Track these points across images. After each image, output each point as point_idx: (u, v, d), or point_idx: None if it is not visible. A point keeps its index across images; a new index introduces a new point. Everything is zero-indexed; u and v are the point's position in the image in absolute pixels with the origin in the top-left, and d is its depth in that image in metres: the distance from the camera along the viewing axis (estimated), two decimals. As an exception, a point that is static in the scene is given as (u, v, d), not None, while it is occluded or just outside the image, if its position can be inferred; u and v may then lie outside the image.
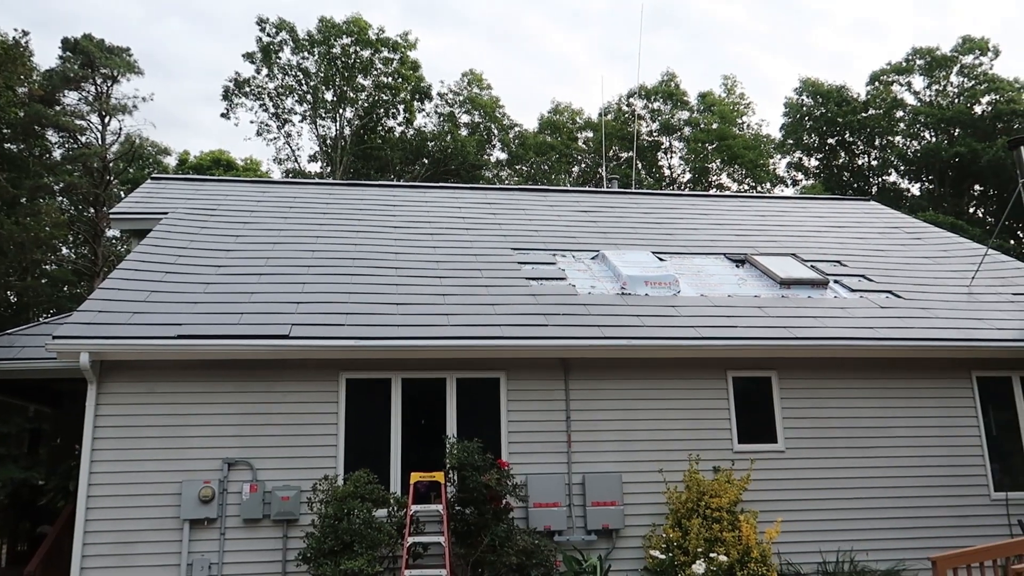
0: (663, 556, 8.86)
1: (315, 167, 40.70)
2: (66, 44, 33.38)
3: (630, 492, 9.63)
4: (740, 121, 43.67)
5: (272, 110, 39.56)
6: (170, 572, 8.61)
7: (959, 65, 38.94)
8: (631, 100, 42.79)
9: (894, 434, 10.43)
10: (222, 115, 39.44)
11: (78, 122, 33.13)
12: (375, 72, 39.62)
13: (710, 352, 9.99)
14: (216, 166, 39.10)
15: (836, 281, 12.41)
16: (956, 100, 38.60)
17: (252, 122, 49.64)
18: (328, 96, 39.34)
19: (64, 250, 34.66)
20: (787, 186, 43.08)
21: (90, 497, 8.65)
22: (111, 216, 14.20)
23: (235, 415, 9.17)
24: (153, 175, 19.04)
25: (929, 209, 34.65)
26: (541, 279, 11.55)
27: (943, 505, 10.26)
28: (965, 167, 36.92)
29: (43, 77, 31.94)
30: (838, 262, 13.40)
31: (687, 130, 42.74)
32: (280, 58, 38.76)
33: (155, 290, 10.07)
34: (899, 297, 11.92)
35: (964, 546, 9.09)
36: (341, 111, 39.65)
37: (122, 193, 33.63)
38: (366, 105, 39.75)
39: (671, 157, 43.76)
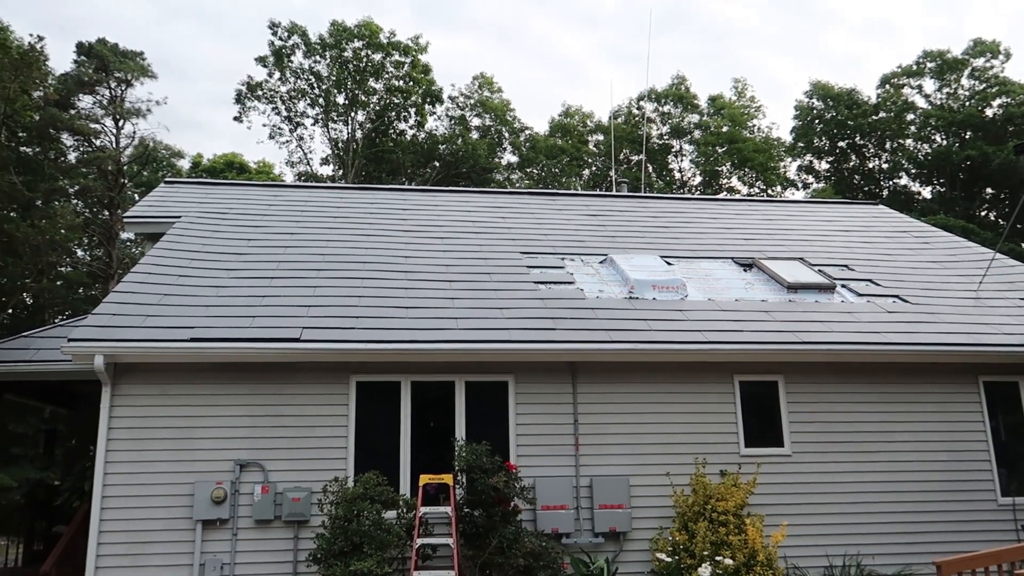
0: (670, 559, 8.92)
1: (327, 170, 40.97)
2: (80, 48, 33.75)
3: (637, 495, 9.70)
4: (750, 124, 43.61)
5: (284, 113, 39.86)
6: (183, 572, 8.74)
7: (970, 68, 38.77)
8: (641, 103, 42.82)
9: (901, 439, 10.45)
10: (235, 119, 39.82)
11: (93, 126, 33.46)
12: (386, 75, 39.83)
13: (717, 356, 10.06)
14: (229, 169, 39.40)
15: (843, 285, 12.45)
16: (967, 103, 38.43)
17: (265, 125, 49.91)
18: (340, 99, 39.58)
19: (79, 252, 34.97)
20: (798, 189, 43.00)
21: (104, 497, 8.79)
22: (125, 219, 14.36)
23: (247, 417, 9.29)
24: (167, 179, 19.25)
25: (940, 212, 34.51)
26: (550, 283, 11.63)
27: (950, 510, 10.26)
28: (976, 170, 36.79)
29: (58, 81, 32.30)
30: (845, 266, 13.42)
31: (697, 133, 42.72)
32: (292, 61, 39.05)
33: (168, 293, 10.21)
34: (906, 302, 11.94)
35: (970, 551, 9.08)
36: (353, 114, 39.88)
37: (136, 196, 33.90)
38: (377, 108, 39.97)
39: (681, 160, 43.77)
